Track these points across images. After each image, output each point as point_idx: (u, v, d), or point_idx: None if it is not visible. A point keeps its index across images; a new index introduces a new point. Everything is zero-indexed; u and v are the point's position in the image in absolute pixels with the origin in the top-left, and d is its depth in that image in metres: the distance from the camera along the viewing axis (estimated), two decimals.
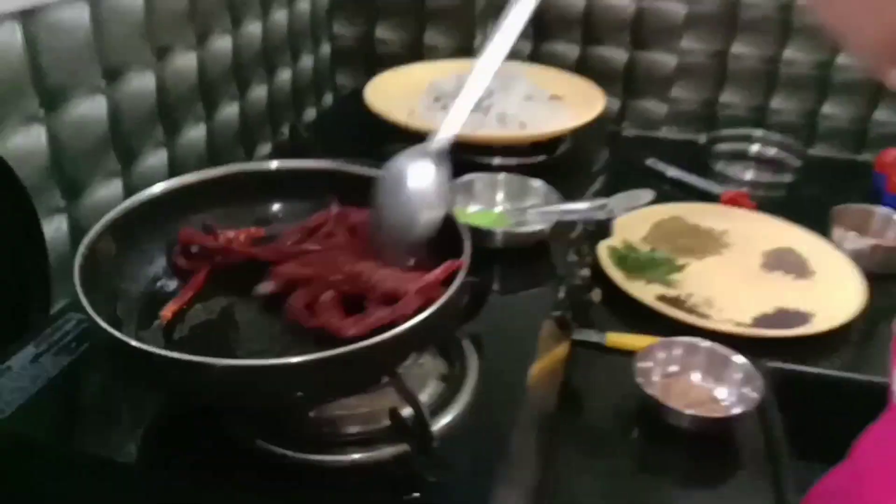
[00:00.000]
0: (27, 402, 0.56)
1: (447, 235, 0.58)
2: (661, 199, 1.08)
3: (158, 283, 0.61)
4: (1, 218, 0.63)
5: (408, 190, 0.57)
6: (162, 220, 0.61)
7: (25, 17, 0.65)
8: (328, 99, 1.32)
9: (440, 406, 0.57)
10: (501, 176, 0.84)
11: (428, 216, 0.57)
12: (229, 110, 1.01)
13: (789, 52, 1.21)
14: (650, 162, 1.21)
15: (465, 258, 0.55)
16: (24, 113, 0.67)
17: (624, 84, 1.32)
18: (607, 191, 0.94)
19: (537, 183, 0.83)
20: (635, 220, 1.01)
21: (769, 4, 1.19)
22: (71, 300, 0.66)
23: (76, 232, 0.74)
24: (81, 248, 0.52)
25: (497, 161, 0.96)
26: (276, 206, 0.66)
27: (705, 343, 0.72)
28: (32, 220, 0.66)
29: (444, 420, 0.55)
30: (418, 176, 0.57)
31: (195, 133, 0.94)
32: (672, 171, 1.19)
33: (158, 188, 0.61)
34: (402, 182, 0.57)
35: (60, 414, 0.58)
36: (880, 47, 0.42)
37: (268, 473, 0.52)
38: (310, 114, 1.24)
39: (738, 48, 1.24)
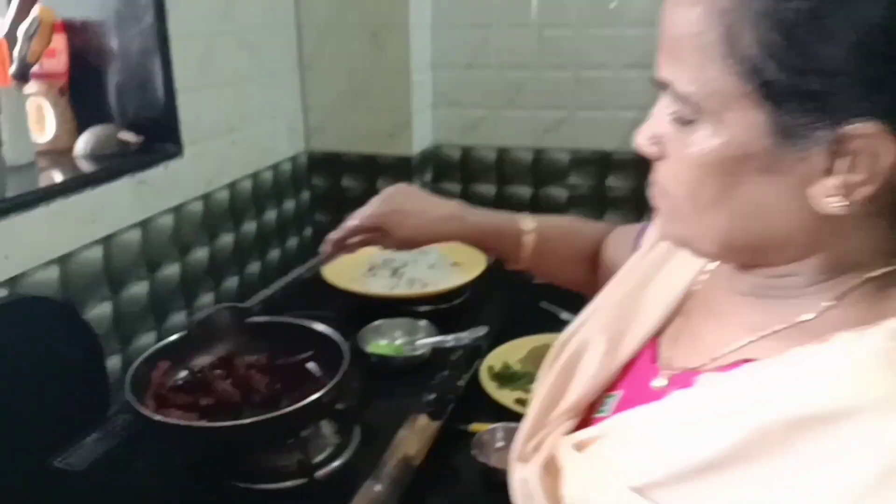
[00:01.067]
0: (94, 462, 0.97)
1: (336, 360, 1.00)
2: (543, 330, 1.49)
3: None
4: (81, 356, 1.07)
5: None
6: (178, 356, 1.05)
7: (105, 241, 1.13)
8: (308, 231, 1.79)
9: (332, 459, 0.97)
10: (398, 320, 1.27)
11: None
12: (231, 281, 1.48)
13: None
14: (544, 304, 1.62)
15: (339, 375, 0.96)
16: (100, 294, 1.14)
17: None
18: (498, 325, 1.37)
19: (423, 322, 1.26)
20: (517, 347, 1.42)
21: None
22: (119, 407, 1.10)
23: (126, 364, 1.18)
24: (131, 372, 0.96)
25: (421, 308, 1.39)
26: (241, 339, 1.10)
27: (513, 424, 1.11)
28: (100, 358, 1.10)
29: (332, 465, 0.96)
30: None
31: (206, 299, 1.40)
32: (563, 314, 1.59)
33: (173, 338, 1.06)
34: None
35: (112, 468, 0.98)
36: None
37: (234, 496, 0.92)
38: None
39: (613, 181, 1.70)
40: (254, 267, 1.55)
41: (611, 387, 0.68)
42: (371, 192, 1.78)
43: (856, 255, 0.50)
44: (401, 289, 1.38)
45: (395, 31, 1.60)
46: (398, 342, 1.26)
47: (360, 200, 1.77)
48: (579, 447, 0.62)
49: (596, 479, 0.58)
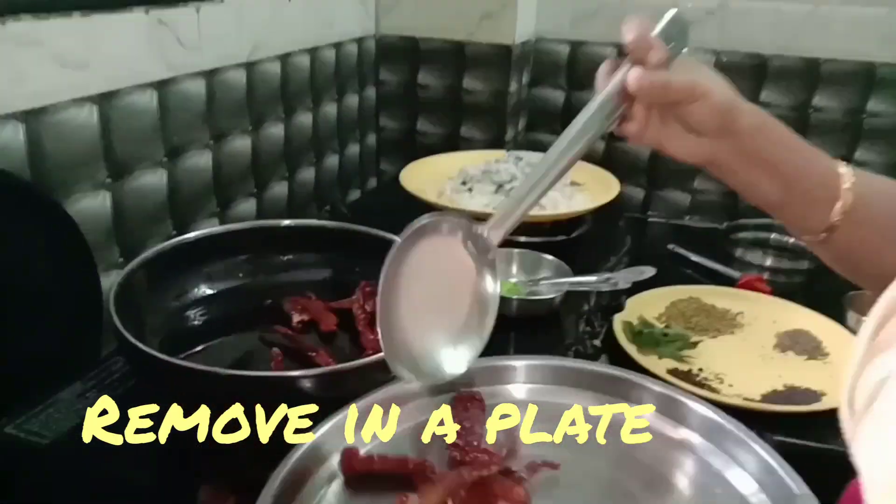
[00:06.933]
0: (65, 434, 0.62)
1: None
2: (680, 281, 1.13)
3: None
4: (64, 270, 0.72)
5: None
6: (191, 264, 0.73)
7: (102, 99, 0.76)
8: (372, 182, 1.42)
9: None
10: (516, 251, 0.90)
11: None
12: (278, 188, 1.11)
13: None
14: (671, 247, 1.25)
15: None
16: (93, 181, 0.78)
17: (648, 176, 1.39)
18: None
19: (550, 258, 0.89)
20: (652, 298, 1.05)
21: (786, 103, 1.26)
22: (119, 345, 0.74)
23: None
24: (119, 280, 0.61)
25: (522, 239, 1.02)
26: (287, 258, 0.78)
27: None
28: (92, 274, 0.75)
29: None
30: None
31: (245, 206, 1.04)
32: (693, 256, 1.23)
33: (192, 235, 0.72)
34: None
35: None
36: None
37: None
38: (354, 194, 1.35)
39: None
40: (307, 174, 1.18)
41: None
42: (456, 91, 1.42)
43: None
44: None
45: None
46: (513, 280, 0.89)
47: (440, 103, 1.42)
48: None
49: None
